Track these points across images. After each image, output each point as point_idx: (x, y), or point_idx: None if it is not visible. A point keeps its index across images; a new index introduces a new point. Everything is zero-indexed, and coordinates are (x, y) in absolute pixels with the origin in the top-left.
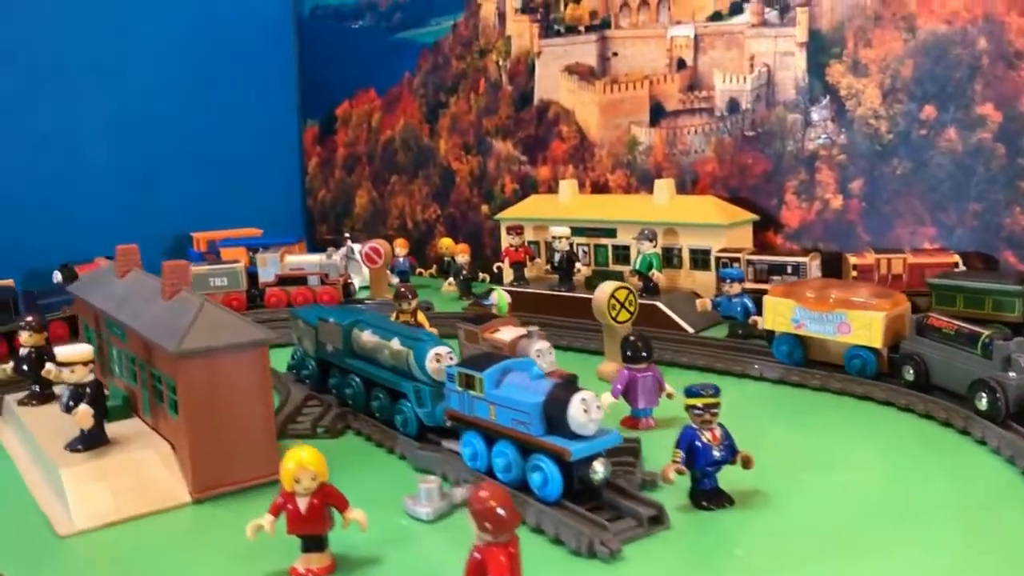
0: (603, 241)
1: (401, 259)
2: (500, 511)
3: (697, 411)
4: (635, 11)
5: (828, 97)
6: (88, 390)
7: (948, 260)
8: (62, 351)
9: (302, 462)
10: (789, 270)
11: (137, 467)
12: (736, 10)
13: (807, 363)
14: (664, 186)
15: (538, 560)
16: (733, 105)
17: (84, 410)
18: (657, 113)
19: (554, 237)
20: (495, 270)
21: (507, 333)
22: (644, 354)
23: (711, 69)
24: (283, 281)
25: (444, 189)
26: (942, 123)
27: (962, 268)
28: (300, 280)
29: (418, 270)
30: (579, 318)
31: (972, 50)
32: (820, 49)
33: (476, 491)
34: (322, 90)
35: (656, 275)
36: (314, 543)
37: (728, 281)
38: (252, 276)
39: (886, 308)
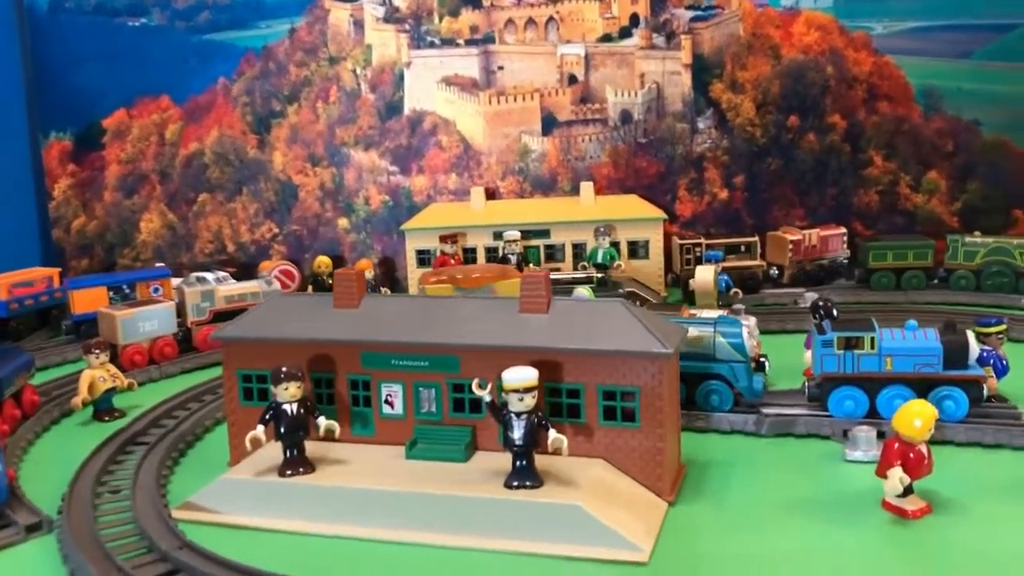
0: (534, 242)
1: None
2: None
3: (999, 336)
4: (521, 29)
5: (712, 109)
6: (537, 417)
7: (840, 232)
8: (510, 376)
9: (935, 415)
10: (743, 248)
11: (610, 486)
12: (625, 34)
13: None
14: (588, 188)
15: None
16: (626, 116)
17: (559, 437)
18: (549, 123)
19: (507, 241)
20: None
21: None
22: (835, 313)
23: (603, 84)
24: (218, 317)
25: (283, 205)
26: (804, 129)
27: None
28: (239, 313)
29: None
30: None
31: (823, 74)
32: (703, 70)
33: None
34: (78, 97)
35: (621, 265)
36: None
37: (713, 262)
38: None
39: (517, 276)
